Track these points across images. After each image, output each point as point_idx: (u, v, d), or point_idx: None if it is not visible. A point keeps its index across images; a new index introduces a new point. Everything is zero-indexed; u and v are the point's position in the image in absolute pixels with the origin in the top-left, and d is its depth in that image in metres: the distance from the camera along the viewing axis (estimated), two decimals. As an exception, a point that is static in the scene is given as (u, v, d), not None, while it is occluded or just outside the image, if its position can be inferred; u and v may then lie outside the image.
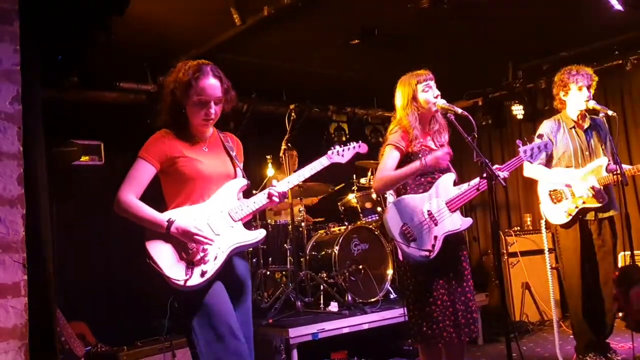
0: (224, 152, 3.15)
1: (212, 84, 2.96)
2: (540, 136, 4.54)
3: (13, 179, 3.05)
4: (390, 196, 3.87)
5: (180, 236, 2.84)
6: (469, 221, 3.65)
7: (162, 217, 2.87)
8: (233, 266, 3.03)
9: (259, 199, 3.05)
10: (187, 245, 2.84)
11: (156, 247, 2.86)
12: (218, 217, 2.96)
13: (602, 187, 4.53)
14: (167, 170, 2.98)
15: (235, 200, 3.05)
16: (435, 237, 3.52)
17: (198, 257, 2.84)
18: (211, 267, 2.85)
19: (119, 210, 2.92)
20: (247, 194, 3.19)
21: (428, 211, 3.58)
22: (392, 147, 3.65)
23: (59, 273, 5.78)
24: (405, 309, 3.69)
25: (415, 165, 3.57)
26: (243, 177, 3.15)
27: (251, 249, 6.51)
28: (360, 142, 3.42)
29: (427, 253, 3.49)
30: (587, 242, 4.63)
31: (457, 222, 3.59)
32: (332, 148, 3.34)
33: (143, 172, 2.95)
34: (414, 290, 3.64)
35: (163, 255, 2.84)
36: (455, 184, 3.69)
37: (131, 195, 2.91)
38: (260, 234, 3.02)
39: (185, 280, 2.78)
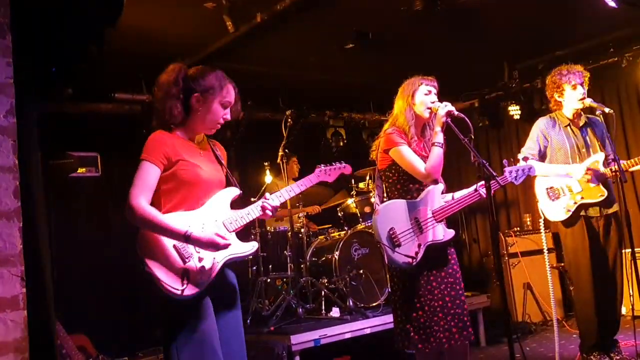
0: (215, 159, 3.16)
1: (231, 89, 3.05)
2: (526, 159, 4.57)
3: (9, 192, 3.03)
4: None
5: (204, 245, 2.82)
6: (451, 233, 3.64)
7: (180, 228, 2.82)
8: (224, 277, 3.02)
9: (253, 211, 3.04)
10: (183, 254, 2.82)
11: (152, 255, 2.81)
12: (212, 226, 2.94)
13: (599, 182, 4.53)
14: (165, 172, 2.93)
15: (229, 209, 3.03)
16: (419, 245, 3.52)
17: (194, 266, 2.82)
18: (207, 277, 2.84)
19: (134, 219, 2.82)
20: (245, 202, 3.19)
21: (415, 218, 3.57)
22: (402, 145, 3.62)
23: (58, 285, 5.78)
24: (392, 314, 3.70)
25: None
26: (235, 185, 3.14)
27: (251, 256, 6.51)
28: (344, 163, 3.44)
29: (410, 260, 3.48)
30: (593, 240, 4.60)
31: (440, 233, 3.58)
32: (320, 166, 3.35)
33: (151, 175, 2.87)
34: (401, 295, 3.63)
35: (159, 262, 2.80)
36: (442, 193, 3.68)
37: (144, 202, 2.83)
38: (253, 246, 3.02)
39: (182, 290, 2.76)
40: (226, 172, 3.15)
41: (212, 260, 2.88)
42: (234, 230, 2.99)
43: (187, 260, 2.82)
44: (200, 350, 2.78)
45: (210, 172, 3.03)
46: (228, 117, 3.04)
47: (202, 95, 2.98)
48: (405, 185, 3.66)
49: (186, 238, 2.80)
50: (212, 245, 2.83)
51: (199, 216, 2.93)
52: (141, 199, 2.82)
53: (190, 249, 2.86)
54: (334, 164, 3.40)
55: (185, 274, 2.80)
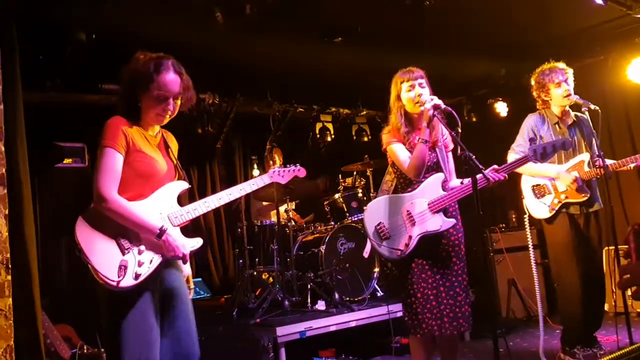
0: (166, 151, 3.11)
1: (172, 79, 2.93)
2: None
3: (-5, 179, 3.02)
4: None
5: (169, 247, 2.82)
6: (450, 222, 3.66)
7: (155, 223, 2.82)
8: (167, 274, 2.99)
9: (200, 207, 3.00)
10: (123, 245, 2.80)
11: (88, 238, 2.77)
12: (157, 219, 2.90)
13: (584, 182, 4.56)
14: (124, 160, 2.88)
15: (175, 203, 2.99)
16: (410, 237, 3.58)
17: (133, 259, 2.80)
18: (145, 270, 2.81)
19: (107, 210, 2.78)
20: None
21: (407, 211, 3.63)
22: (394, 144, 3.73)
23: (43, 275, 5.76)
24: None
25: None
26: (184, 178, 3.10)
27: (237, 249, 6.50)
28: (299, 166, 3.50)
29: (398, 252, 3.58)
30: (576, 237, 4.64)
31: (437, 223, 3.62)
32: (275, 168, 3.41)
33: (116, 163, 2.82)
34: (399, 283, 3.76)
35: (96, 248, 2.75)
36: (445, 183, 3.70)
37: (115, 191, 2.79)
38: (197, 242, 2.99)
39: (118, 282, 2.73)
40: (175, 165, 3.10)
41: (153, 254, 2.86)
42: (178, 225, 2.96)
43: (126, 252, 2.80)
44: (139, 344, 2.76)
45: (164, 165, 2.99)
46: (170, 107, 2.95)
47: (137, 87, 2.93)
48: (407, 178, 3.74)
49: (161, 234, 2.81)
50: (174, 252, 2.83)
51: (142, 207, 2.87)
52: (112, 189, 2.78)
53: (132, 241, 2.83)
54: (288, 166, 3.46)
55: (121, 265, 2.76)
